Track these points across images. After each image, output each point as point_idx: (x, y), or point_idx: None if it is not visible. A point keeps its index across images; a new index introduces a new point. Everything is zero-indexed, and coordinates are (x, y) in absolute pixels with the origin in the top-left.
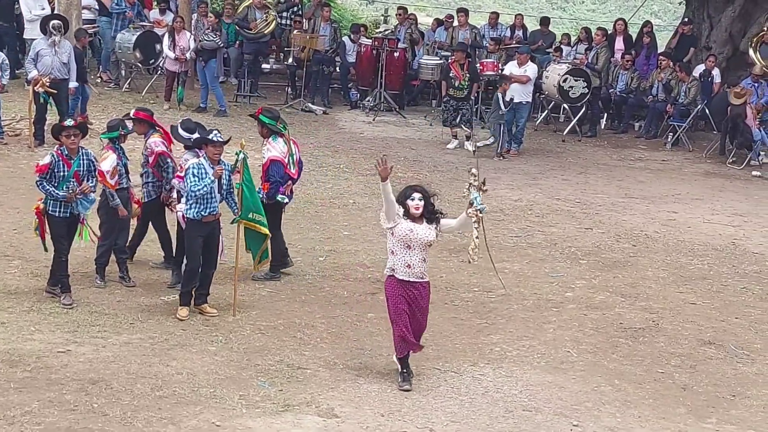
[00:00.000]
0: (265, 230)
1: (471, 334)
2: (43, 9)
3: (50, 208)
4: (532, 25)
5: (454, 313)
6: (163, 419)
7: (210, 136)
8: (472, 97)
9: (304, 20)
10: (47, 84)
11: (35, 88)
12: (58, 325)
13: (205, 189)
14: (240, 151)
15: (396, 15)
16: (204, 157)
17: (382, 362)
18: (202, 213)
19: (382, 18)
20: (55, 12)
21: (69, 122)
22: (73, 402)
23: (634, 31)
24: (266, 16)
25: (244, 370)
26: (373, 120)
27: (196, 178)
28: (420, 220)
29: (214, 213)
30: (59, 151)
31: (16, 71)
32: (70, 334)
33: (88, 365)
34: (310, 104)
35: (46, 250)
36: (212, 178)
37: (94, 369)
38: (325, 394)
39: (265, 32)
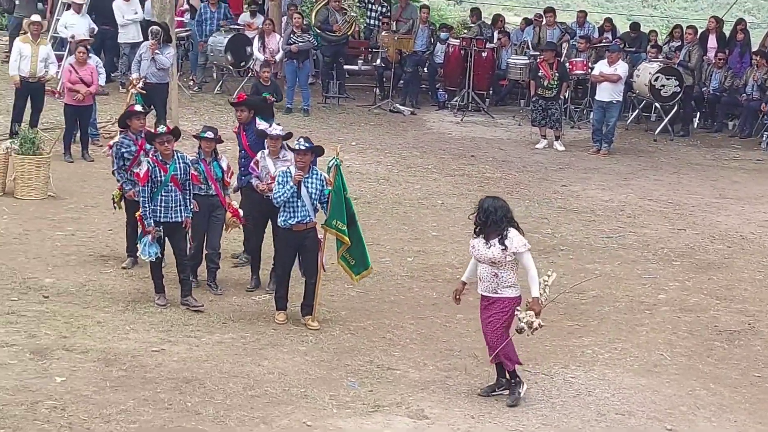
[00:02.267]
0: (346, 239)
1: (562, 336)
2: (136, 13)
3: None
4: (622, 24)
5: (544, 315)
6: (255, 418)
7: (294, 145)
8: (561, 97)
9: (393, 21)
10: (140, 86)
11: (131, 89)
12: (153, 325)
13: (285, 195)
14: (334, 158)
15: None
16: (293, 164)
17: (472, 363)
18: (290, 221)
19: (483, 21)
20: (147, 16)
21: (162, 129)
22: (167, 400)
23: (727, 29)
24: (347, 17)
25: (335, 370)
26: (461, 120)
27: (280, 186)
28: (479, 236)
29: (305, 221)
30: (154, 157)
31: (112, 75)
32: (164, 334)
33: (182, 364)
34: (398, 105)
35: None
36: (292, 184)
37: (188, 368)
38: (414, 395)
39: (348, 33)
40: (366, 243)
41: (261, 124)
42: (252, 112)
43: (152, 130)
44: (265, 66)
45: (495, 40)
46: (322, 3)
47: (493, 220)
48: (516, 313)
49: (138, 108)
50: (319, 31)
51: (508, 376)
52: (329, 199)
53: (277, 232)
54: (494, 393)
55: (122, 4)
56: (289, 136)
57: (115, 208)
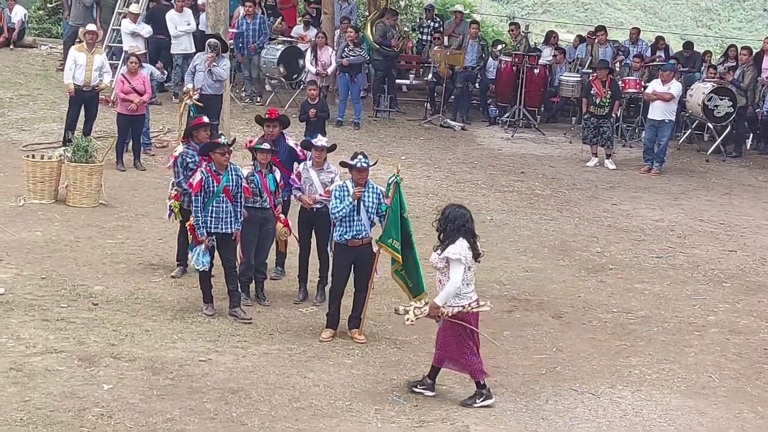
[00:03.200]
0: (399, 257)
1: (609, 356)
2: (189, 25)
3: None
4: (676, 44)
5: (592, 334)
6: (300, 430)
7: (353, 162)
8: (613, 115)
9: (444, 36)
10: (195, 97)
11: (186, 100)
12: (200, 334)
13: (344, 211)
14: (394, 175)
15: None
16: (350, 179)
17: (517, 381)
18: (346, 236)
19: (523, 35)
20: (200, 28)
21: (223, 140)
22: (213, 410)
23: None
24: (402, 33)
25: (380, 384)
26: (512, 136)
27: (338, 200)
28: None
29: (360, 236)
30: (208, 168)
31: (165, 84)
32: (211, 344)
33: (228, 374)
34: (449, 120)
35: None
36: (351, 200)
37: (234, 378)
38: (459, 411)
39: (402, 48)
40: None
41: (289, 140)
42: (281, 128)
43: (212, 140)
44: (311, 84)
45: (550, 57)
46: (377, 17)
47: (451, 228)
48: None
49: (204, 119)
50: (378, 46)
51: (476, 387)
52: (386, 215)
53: (321, 249)
54: (416, 389)
55: (175, 16)
56: (333, 147)
57: (170, 218)
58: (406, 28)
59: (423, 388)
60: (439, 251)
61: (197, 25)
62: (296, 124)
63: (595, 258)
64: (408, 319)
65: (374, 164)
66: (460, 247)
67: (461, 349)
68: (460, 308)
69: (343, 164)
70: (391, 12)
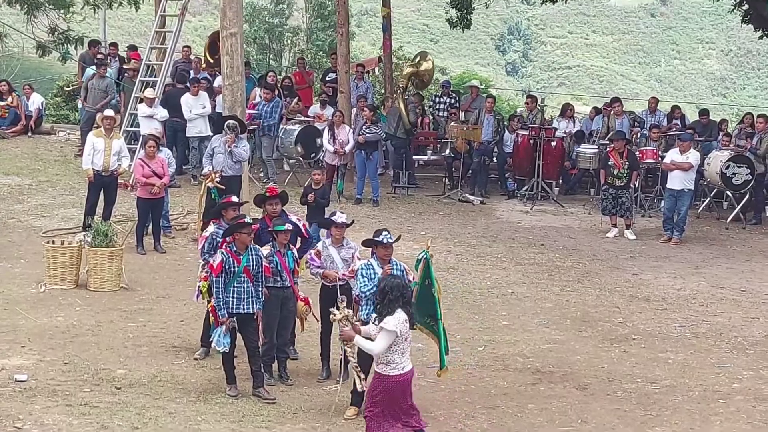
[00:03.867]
0: (434, 337)
1: (635, 426)
2: (204, 108)
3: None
4: (692, 113)
5: (617, 405)
6: None
7: (380, 238)
8: (632, 186)
9: (461, 111)
10: (217, 180)
11: (206, 183)
12: (224, 416)
13: (375, 289)
14: (424, 251)
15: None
16: (374, 257)
17: None
18: (374, 314)
19: (539, 108)
20: (217, 110)
21: (248, 220)
22: None
23: None
24: (414, 108)
25: None
26: (531, 209)
27: (366, 279)
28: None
29: None
30: (228, 248)
31: (183, 167)
32: (235, 424)
33: None
34: (467, 194)
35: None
36: (381, 277)
37: None
38: None
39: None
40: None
41: (292, 216)
42: (282, 204)
43: (237, 221)
44: (317, 169)
45: (567, 128)
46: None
47: (389, 299)
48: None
49: (234, 199)
50: (410, 125)
51: None
52: (414, 293)
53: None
54: None
55: (190, 99)
56: (351, 223)
57: (198, 299)
58: (420, 107)
59: None
60: (376, 322)
61: (213, 107)
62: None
63: (618, 328)
64: (333, 314)
65: (397, 240)
66: (396, 320)
67: (366, 408)
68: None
69: (366, 243)
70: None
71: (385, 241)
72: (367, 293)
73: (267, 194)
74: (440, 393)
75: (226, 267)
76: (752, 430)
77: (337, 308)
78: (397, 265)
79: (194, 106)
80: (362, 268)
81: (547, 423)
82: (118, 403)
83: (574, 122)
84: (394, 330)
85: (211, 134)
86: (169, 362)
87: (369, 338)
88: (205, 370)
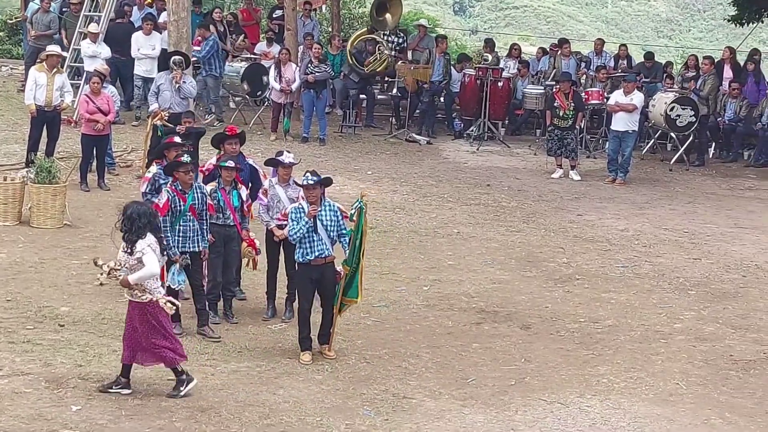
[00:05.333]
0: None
1: (578, 365)
2: (154, 49)
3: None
4: (637, 55)
5: (560, 344)
6: None
7: (301, 181)
8: (577, 127)
9: (408, 51)
10: (165, 117)
11: (153, 120)
12: None
13: (301, 231)
14: (359, 200)
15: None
16: (304, 199)
17: (487, 392)
18: (308, 257)
19: (486, 51)
20: (162, 46)
21: (186, 158)
22: (182, 429)
23: (742, 59)
24: (379, 55)
25: (350, 399)
26: (477, 149)
27: (294, 222)
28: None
29: (323, 256)
30: (173, 187)
31: (131, 103)
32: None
33: (198, 393)
34: (414, 134)
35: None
36: (306, 219)
37: (204, 397)
38: (430, 424)
39: (377, 70)
40: (381, 274)
41: (249, 158)
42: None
43: (175, 159)
44: (187, 116)
45: (514, 69)
46: (363, 36)
47: (137, 225)
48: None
49: (177, 139)
50: (352, 62)
51: (175, 375)
52: (351, 240)
53: (289, 266)
54: (111, 390)
55: (140, 37)
56: (297, 163)
57: None
58: (387, 52)
59: (119, 388)
60: (128, 250)
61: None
62: (266, 137)
63: (562, 268)
64: (99, 277)
65: (325, 180)
66: (149, 239)
67: (148, 338)
68: (150, 298)
69: (268, 162)
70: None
71: (305, 183)
72: (295, 236)
73: (226, 133)
74: (384, 332)
75: (172, 206)
76: (693, 369)
77: (96, 263)
78: (330, 205)
79: (144, 45)
80: (292, 212)
81: (491, 362)
82: (61, 340)
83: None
84: (151, 246)
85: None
86: (113, 300)
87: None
88: None
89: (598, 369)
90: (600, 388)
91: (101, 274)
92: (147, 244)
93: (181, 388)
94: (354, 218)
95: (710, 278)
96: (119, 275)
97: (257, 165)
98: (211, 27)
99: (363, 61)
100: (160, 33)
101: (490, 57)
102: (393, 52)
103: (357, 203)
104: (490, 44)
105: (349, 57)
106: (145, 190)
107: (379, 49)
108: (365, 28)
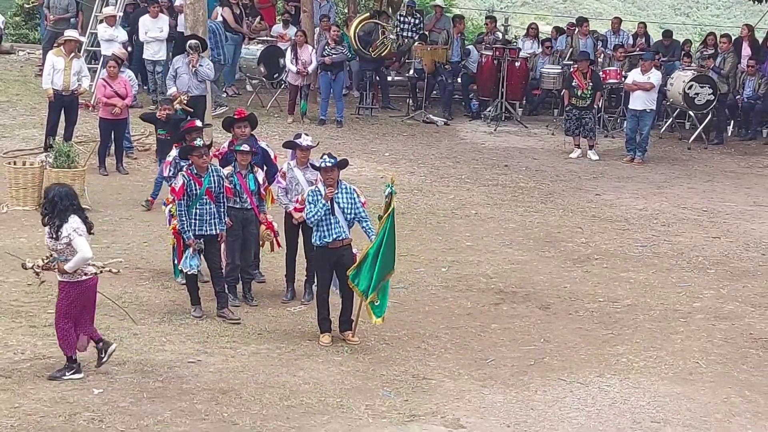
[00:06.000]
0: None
1: (597, 345)
2: (162, 31)
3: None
4: (655, 33)
5: (578, 324)
6: (292, 429)
7: (319, 163)
8: (595, 106)
9: (426, 32)
10: (185, 101)
11: (174, 104)
12: (189, 336)
13: (319, 214)
14: (389, 185)
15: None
16: (321, 182)
17: (506, 373)
18: (326, 239)
19: (503, 28)
20: (179, 29)
21: (199, 142)
22: (204, 411)
23: (760, 36)
24: (385, 39)
25: (370, 380)
26: (495, 130)
27: (311, 205)
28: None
29: (340, 238)
30: (189, 171)
31: (145, 87)
32: (200, 345)
33: (218, 375)
34: (431, 115)
35: (176, 276)
36: (324, 201)
37: (224, 379)
38: (450, 405)
39: (382, 54)
40: (399, 255)
41: (261, 141)
42: (252, 128)
43: (189, 144)
44: (166, 103)
45: (531, 49)
46: (367, 18)
47: (59, 208)
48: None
49: (198, 123)
50: (357, 46)
51: (67, 360)
52: (380, 226)
53: (308, 248)
54: (65, 377)
55: (148, 21)
56: (315, 146)
57: (171, 224)
58: (392, 36)
59: (72, 373)
60: (53, 235)
61: (175, 26)
62: (283, 119)
63: (581, 248)
64: (37, 278)
65: (342, 162)
66: (74, 223)
67: (58, 320)
68: (74, 280)
69: (313, 167)
70: (385, 16)
71: (323, 165)
72: (312, 218)
73: (235, 117)
74: (404, 313)
75: (188, 189)
76: (712, 347)
77: (24, 267)
78: (346, 188)
79: (151, 28)
80: (309, 195)
81: (509, 342)
82: None
83: (538, 42)
84: (78, 229)
85: (164, 58)
86: (133, 283)
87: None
88: (170, 291)
89: (617, 348)
90: (619, 367)
91: (36, 274)
92: (72, 229)
93: (67, 373)
94: (385, 204)
95: (729, 257)
96: (53, 265)
97: (269, 147)
98: (224, 10)
99: (370, 44)
100: (169, 16)
101: (500, 34)
102: (409, 33)
103: (388, 188)
104: (492, 20)
105: (353, 41)
106: (169, 173)
107: (383, 33)
108: (367, 13)
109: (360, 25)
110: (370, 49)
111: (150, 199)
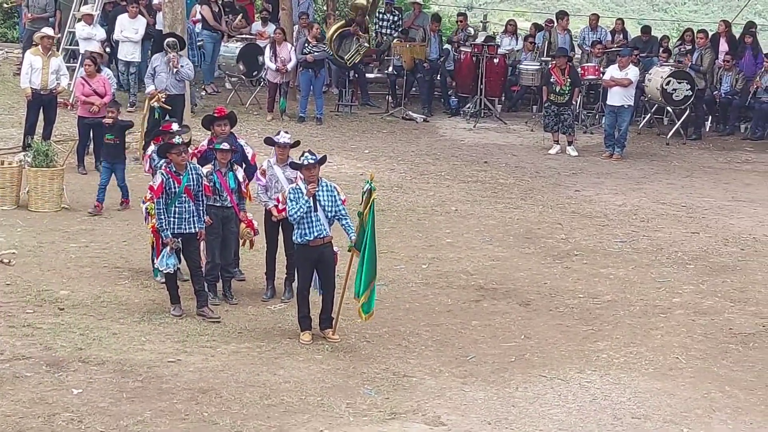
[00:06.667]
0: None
1: (577, 341)
2: (137, 33)
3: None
4: (633, 28)
5: (559, 320)
6: (272, 428)
7: (300, 160)
8: (574, 102)
9: (405, 28)
10: (163, 99)
11: (151, 102)
12: (168, 335)
13: (301, 211)
14: (368, 182)
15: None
16: (302, 180)
17: (487, 369)
18: (307, 237)
19: (481, 24)
20: (158, 27)
21: (178, 140)
22: (183, 411)
23: (738, 32)
24: (359, 47)
25: (351, 378)
26: (474, 127)
27: (293, 203)
28: None
29: (322, 236)
30: (168, 169)
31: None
32: (179, 344)
33: (198, 374)
34: (410, 112)
35: (155, 275)
36: (306, 198)
37: (204, 378)
38: (431, 402)
39: (356, 61)
40: (379, 253)
41: (240, 139)
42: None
43: (167, 141)
44: (111, 106)
45: (509, 46)
46: (343, 26)
47: None
48: None
49: (174, 126)
50: (331, 49)
51: None
52: (361, 223)
53: (288, 246)
54: None
55: (125, 20)
56: (297, 143)
57: (148, 222)
58: (366, 44)
59: None
60: None
61: (154, 24)
62: (263, 117)
63: (560, 245)
64: None
65: (321, 159)
66: None
67: None
68: None
69: (293, 165)
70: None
71: (305, 162)
72: (295, 215)
73: (215, 115)
74: (384, 311)
75: (167, 188)
76: (692, 343)
77: None
78: (326, 185)
79: (127, 28)
80: (290, 192)
81: (490, 339)
82: (61, 324)
83: (517, 39)
84: None
85: (138, 60)
86: (112, 283)
87: None
88: (149, 290)
89: (597, 344)
90: (600, 363)
91: None
92: None
93: None
94: (363, 199)
95: (708, 252)
96: None
97: (248, 145)
98: (203, 8)
99: (347, 49)
100: (147, 17)
101: (472, 31)
102: (388, 30)
103: (367, 185)
104: (464, 17)
105: (330, 47)
106: (147, 168)
107: (358, 41)
108: (343, 21)
109: (337, 32)
110: (345, 56)
111: (97, 204)
